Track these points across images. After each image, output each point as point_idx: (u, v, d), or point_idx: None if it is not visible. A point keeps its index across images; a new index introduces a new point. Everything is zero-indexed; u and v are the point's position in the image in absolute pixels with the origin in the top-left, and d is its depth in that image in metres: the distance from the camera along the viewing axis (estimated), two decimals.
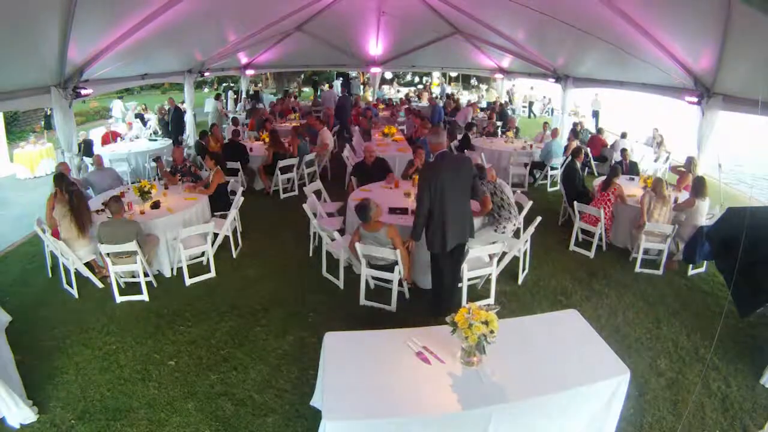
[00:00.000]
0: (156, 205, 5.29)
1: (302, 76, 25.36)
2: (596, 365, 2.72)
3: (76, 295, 4.65)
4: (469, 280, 4.34)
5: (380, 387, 2.52)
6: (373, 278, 4.64)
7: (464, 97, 20.14)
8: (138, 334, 4.07)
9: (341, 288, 4.82)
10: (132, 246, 4.36)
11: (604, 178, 6.18)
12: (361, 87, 20.78)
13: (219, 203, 6.02)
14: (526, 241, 4.93)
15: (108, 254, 4.41)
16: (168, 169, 6.64)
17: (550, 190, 8.56)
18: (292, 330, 4.14)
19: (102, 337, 4.04)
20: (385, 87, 18.99)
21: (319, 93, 18.40)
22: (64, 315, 4.37)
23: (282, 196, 7.79)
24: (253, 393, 3.39)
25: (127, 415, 3.19)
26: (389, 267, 4.33)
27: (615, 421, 2.79)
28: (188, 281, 4.89)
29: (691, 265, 5.31)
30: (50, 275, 5.12)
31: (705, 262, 5.27)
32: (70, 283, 4.67)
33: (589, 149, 9.27)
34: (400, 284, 4.40)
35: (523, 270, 5.09)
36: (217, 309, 4.47)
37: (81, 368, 3.65)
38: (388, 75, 20.01)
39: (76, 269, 4.63)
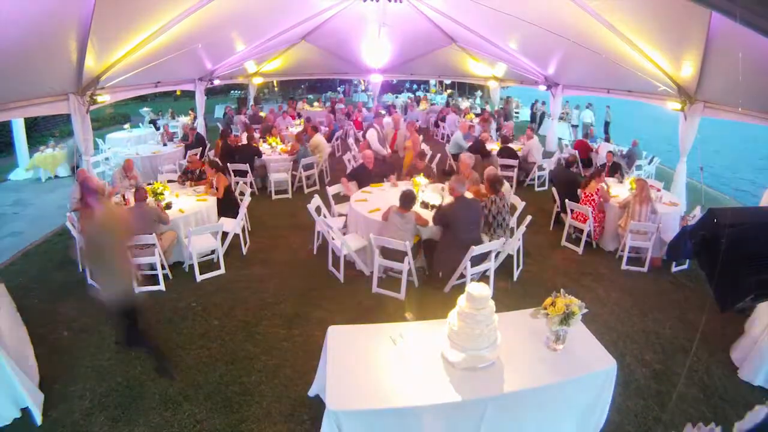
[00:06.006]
0: (169, 206, 5.30)
1: (306, 83, 25.31)
2: (585, 357, 2.72)
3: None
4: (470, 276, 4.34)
5: (381, 377, 2.51)
6: (386, 269, 4.75)
7: (461, 103, 20.08)
8: (153, 326, 4.05)
9: (342, 282, 4.84)
10: (151, 239, 4.44)
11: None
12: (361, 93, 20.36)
13: (226, 204, 5.99)
14: (519, 239, 4.92)
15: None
16: (179, 173, 6.67)
17: (538, 189, 8.55)
18: (297, 324, 4.13)
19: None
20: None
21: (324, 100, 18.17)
22: (82, 309, 4.35)
23: (274, 196, 7.80)
24: (260, 383, 3.38)
25: (141, 403, 3.18)
26: (400, 258, 4.39)
27: (603, 410, 2.79)
28: (199, 278, 4.87)
29: (674, 263, 5.30)
30: (80, 269, 5.06)
31: (687, 259, 5.27)
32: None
33: (577, 151, 9.27)
34: (410, 273, 4.49)
35: (518, 267, 5.08)
36: (227, 304, 4.46)
37: (97, 360, 3.65)
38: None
39: None
